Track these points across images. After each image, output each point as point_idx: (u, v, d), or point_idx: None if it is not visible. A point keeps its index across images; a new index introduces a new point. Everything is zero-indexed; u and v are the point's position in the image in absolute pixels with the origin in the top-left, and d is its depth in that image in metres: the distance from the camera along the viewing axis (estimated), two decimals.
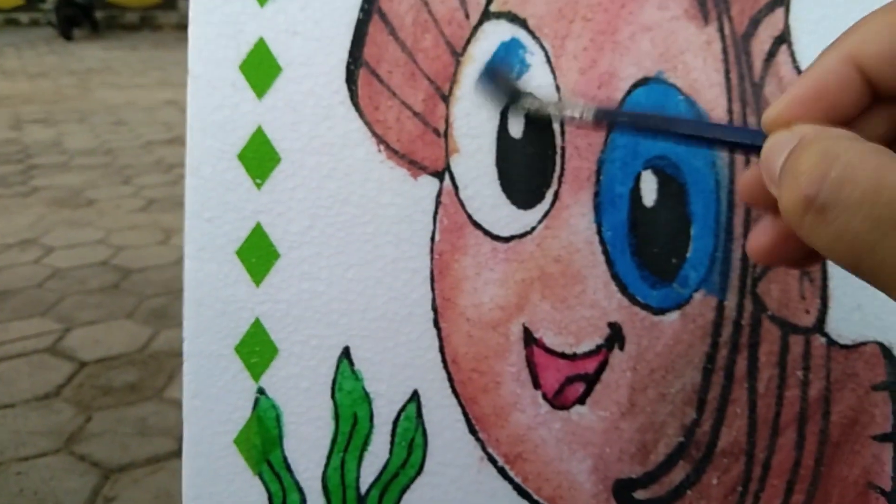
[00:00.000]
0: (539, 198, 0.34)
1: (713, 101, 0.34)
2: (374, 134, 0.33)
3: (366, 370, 0.34)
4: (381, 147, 0.33)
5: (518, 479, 0.35)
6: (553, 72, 0.33)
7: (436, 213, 0.34)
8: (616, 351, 0.34)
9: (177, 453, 1.35)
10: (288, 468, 0.34)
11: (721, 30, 0.34)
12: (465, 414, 0.34)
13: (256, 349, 0.34)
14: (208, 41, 0.33)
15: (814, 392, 0.35)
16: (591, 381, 0.34)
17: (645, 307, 0.34)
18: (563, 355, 0.34)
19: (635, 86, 0.34)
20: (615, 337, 0.34)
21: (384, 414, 0.34)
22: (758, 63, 0.34)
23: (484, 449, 0.35)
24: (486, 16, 0.34)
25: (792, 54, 0.35)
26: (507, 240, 0.34)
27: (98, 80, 5.61)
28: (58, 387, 1.57)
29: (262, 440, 0.34)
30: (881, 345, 0.35)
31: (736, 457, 0.35)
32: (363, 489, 0.35)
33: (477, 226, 0.34)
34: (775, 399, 0.35)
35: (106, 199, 2.85)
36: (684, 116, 0.34)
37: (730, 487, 0.35)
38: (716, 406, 0.35)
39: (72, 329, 1.82)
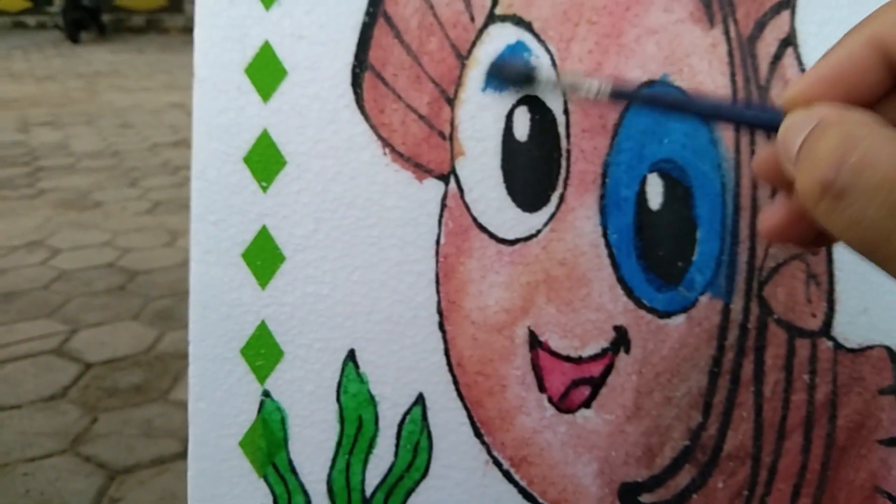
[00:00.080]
0: (544, 201, 0.34)
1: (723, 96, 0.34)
2: (380, 137, 0.33)
3: (371, 373, 0.34)
4: (387, 150, 0.33)
5: (523, 483, 0.35)
6: (559, 75, 0.33)
7: (441, 216, 0.34)
8: (622, 354, 0.34)
9: (182, 455, 1.35)
10: (293, 470, 0.34)
11: (727, 32, 0.34)
12: (471, 417, 0.34)
13: (262, 352, 0.34)
14: (214, 45, 0.33)
15: (820, 396, 0.35)
16: (597, 384, 0.34)
17: (651, 310, 0.34)
18: (568, 358, 0.34)
19: (641, 88, 0.34)
20: (621, 340, 0.34)
21: (389, 417, 0.34)
22: (763, 66, 0.34)
23: (489, 452, 0.35)
24: (492, 19, 0.34)
25: (798, 57, 0.34)
26: (512, 243, 0.34)
27: (105, 82, 5.63)
28: (64, 388, 1.58)
29: (268, 442, 0.34)
30: (888, 349, 0.35)
31: (742, 460, 0.35)
32: (368, 492, 0.35)
33: (482, 229, 0.34)
34: (781, 403, 0.35)
35: (112, 201, 2.86)
36: (700, 96, 0.33)
37: (735, 491, 0.35)
38: (722, 410, 0.35)
39: (78, 330, 1.83)
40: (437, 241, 0.34)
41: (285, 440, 0.34)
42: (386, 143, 0.33)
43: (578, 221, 0.34)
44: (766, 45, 0.34)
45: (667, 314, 0.34)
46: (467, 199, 0.34)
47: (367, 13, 0.33)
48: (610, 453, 0.35)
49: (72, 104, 4.74)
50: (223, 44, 0.33)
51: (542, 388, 0.34)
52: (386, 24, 0.33)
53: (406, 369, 0.34)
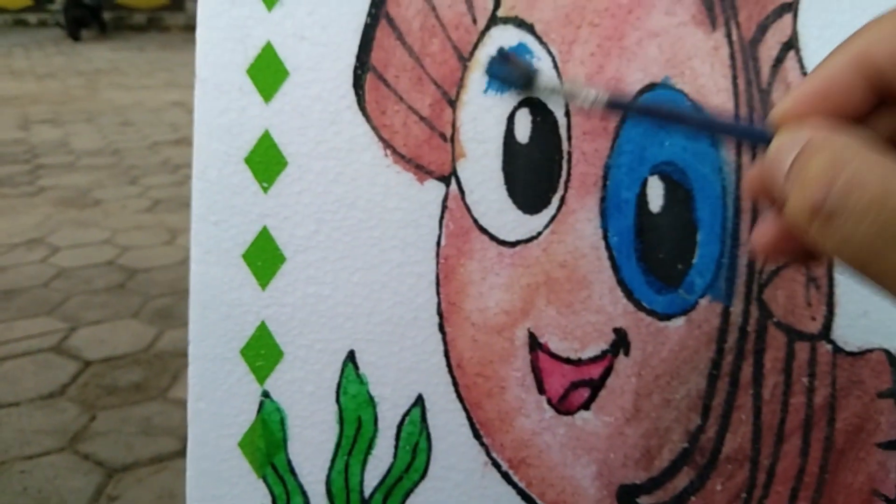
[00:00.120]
0: (545, 203, 0.34)
1: (720, 107, 0.34)
2: (381, 138, 0.33)
3: (371, 374, 0.34)
4: (388, 151, 0.33)
5: (522, 484, 0.35)
6: (560, 77, 0.34)
7: (442, 217, 0.34)
8: (621, 356, 0.34)
9: (181, 453, 1.35)
10: (292, 471, 0.34)
11: (729, 35, 0.34)
12: (470, 418, 0.34)
13: (262, 352, 0.34)
14: (216, 45, 0.33)
15: (819, 399, 0.35)
16: (596, 386, 0.34)
17: (650, 313, 0.34)
18: (568, 360, 0.34)
19: (642, 91, 0.34)
20: (620, 342, 0.34)
21: (389, 418, 0.34)
22: (765, 69, 0.34)
23: (488, 453, 0.35)
24: (494, 21, 0.34)
25: (800, 60, 0.34)
26: (512, 245, 0.34)
27: (105, 80, 5.63)
28: (63, 386, 1.58)
29: (267, 443, 0.34)
30: (887, 352, 0.35)
31: (740, 463, 0.35)
32: (367, 493, 0.35)
33: (483, 230, 0.34)
34: (780, 406, 0.35)
35: (112, 199, 2.86)
36: (694, 110, 0.33)
37: (734, 494, 0.35)
38: (721, 412, 0.35)
39: (77, 328, 1.83)
40: (438, 243, 0.34)
41: (284, 441, 0.34)
42: (387, 144, 0.33)
43: (579, 223, 0.34)
44: (768, 49, 0.34)
45: (666, 317, 0.34)
46: (468, 200, 0.34)
47: (370, 14, 0.33)
48: (609, 455, 0.35)
49: (72, 102, 4.74)
50: (225, 44, 0.33)
51: (541, 389, 0.34)
52: (388, 26, 0.33)
53: (406, 370, 0.34)
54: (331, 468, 0.34)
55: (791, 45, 0.34)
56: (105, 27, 8.89)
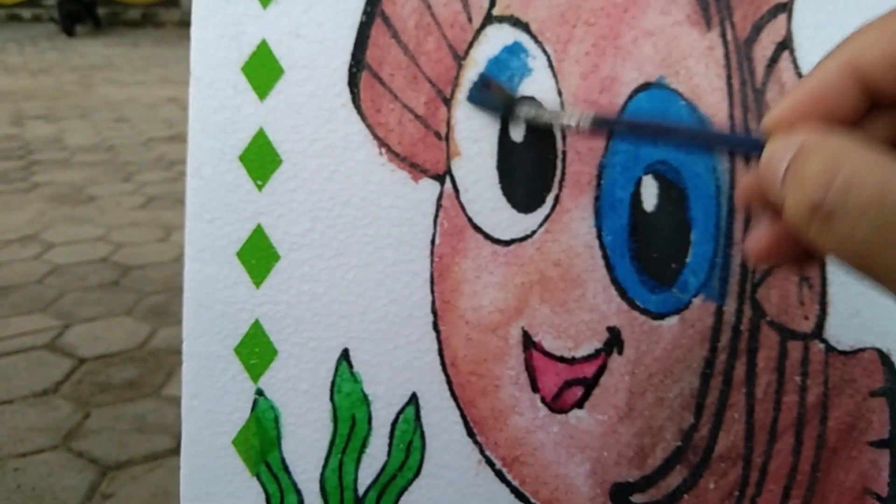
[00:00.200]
0: (540, 202, 0.34)
1: (715, 107, 0.34)
2: (376, 137, 0.33)
3: (365, 372, 0.34)
4: (383, 150, 0.33)
5: (516, 483, 0.35)
6: (555, 76, 0.34)
7: (436, 216, 0.34)
8: (615, 355, 0.34)
9: (175, 451, 1.35)
10: (286, 469, 0.34)
11: (723, 35, 0.34)
12: (464, 417, 0.34)
13: (256, 350, 0.34)
14: (210, 43, 0.33)
15: (812, 398, 0.35)
16: (590, 385, 0.34)
17: (644, 312, 0.34)
18: (561, 359, 0.34)
19: (637, 91, 0.34)
20: (614, 341, 0.34)
21: (383, 416, 0.34)
22: (760, 69, 0.34)
23: (482, 452, 0.35)
24: (489, 19, 0.34)
25: (794, 60, 0.35)
26: (507, 243, 0.34)
27: (100, 76, 5.61)
28: (56, 383, 1.57)
29: (261, 441, 0.34)
30: (879, 351, 0.35)
31: (733, 461, 0.35)
32: (361, 491, 0.35)
33: (477, 229, 0.34)
34: (773, 404, 0.35)
35: (106, 195, 2.85)
36: (682, 123, 0.34)
37: (727, 492, 0.35)
38: (714, 411, 0.35)
39: (71, 325, 1.82)
40: (433, 241, 0.34)
41: (278, 439, 0.34)
42: (382, 142, 0.33)
43: (573, 222, 0.34)
44: (763, 49, 0.34)
45: (660, 315, 0.34)
46: (463, 199, 0.34)
47: (365, 12, 0.33)
48: (602, 453, 0.35)
49: (66, 98, 4.72)
50: (220, 42, 0.33)
51: (535, 388, 0.34)
52: (383, 24, 0.33)
53: (400, 369, 0.34)
54: (325, 466, 0.34)
55: (785, 45, 0.35)
56: (99, 23, 8.85)
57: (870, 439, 0.35)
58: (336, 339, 0.34)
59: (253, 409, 0.34)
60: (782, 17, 0.35)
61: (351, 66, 0.33)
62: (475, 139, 0.34)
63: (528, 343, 0.34)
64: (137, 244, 2.35)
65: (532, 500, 0.35)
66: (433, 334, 0.34)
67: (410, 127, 0.34)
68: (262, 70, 0.33)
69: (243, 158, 0.33)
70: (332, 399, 0.34)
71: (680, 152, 0.34)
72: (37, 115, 4.20)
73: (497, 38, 0.33)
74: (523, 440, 0.35)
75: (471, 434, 0.35)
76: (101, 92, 4.94)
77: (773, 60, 0.35)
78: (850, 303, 0.35)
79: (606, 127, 0.30)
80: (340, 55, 0.33)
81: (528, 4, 0.34)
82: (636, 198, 0.34)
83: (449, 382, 0.34)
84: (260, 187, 0.33)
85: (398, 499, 0.35)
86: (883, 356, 0.35)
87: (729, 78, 0.34)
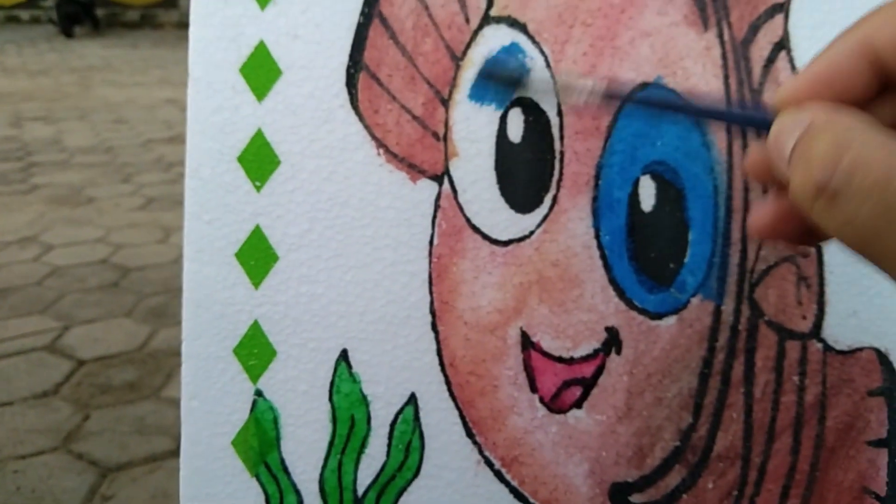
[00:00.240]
0: (538, 202, 0.34)
1: (715, 99, 0.34)
2: (374, 137, 0.33)
3: (364, 373, 0.34)
4: (381, 150, 0.34)
5: (515, 483, 0.35)
6: (553, 75, 0.34)
7: (434, 216, 0.34)
8: (613, 355, 0.34)
9: (175, 452, 1.35)
10: (285, 470, 0.34)
11: (720, 35, 0.34)
12: (463, 417, 0.35)
13: (255, 351, 0.34)
14: (209, 44, 0.33)
15: (810, 397, 0.35)
16: (588, 385, 0.35)
17: (642, 312, 0.34)
18: (560, 359, 0.34)
19: (635, 91, 0.34)
20: (612, 341, 0.34)
21: (382, 416, 0.34)
22: (757, 69, 0.35)
23: (481, 452, 0.35)
24: (487, 20, 0.34)
25: (791, 60, 0.35)
26: (505, 244, 0.34)
27: (98, 77, 5.61)
28: (56, 385, 1.57)
29: (260, 442, 0.34)
30: (877, 350, 0.35)
31: (732, 461, 0.35)
32: (360, 491, 0.35)
33: (475, 229, 0.34)
34: (771, 404, 0.35)
35: (105, 197, 2.85)
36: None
37: (725, 492, 0.35)
38: (712, 410, 0.35)
39: (70, 327, 1.82)
40: (431, 242, 0.34)
41: (278, 439, 0.34)
42: (380, 143, 0.34)
43: (571, 223, 0.34)
44: (760, 49, 0.35)
45: (658, 315, 0.34)
46: (461, 199, 0.34)
47: (363, 13, 0.33)
48: (601, 453, 0.35)
49: (65, 99, 4.72)
50: (218, 43, 0.33)
51: (533, 388, 0.34)
52: (381, 25, 0.33)
53: (398, 369, 0.34)
54: (324, 467, 0.34)
55: (782, 45, 0.35)
56: (98, 24, 8.85)
57: (868, 439, 0.36)
58: (335, 340, 0.34)
59: (252, 409, 0.34)
60: (779, 18, 0.35)
61: (349, 67, 0.33)
62: (473, 140, 0.34)
63: (527, 343, 0.34)
64: (137, 245, 2.35)
65: (531, 499, 0.35)
66: (432, 335, 0.34)
67: (408, 127, 0.34)
68: (261, 71, 0.33)
69: (242, 159, 0.33)
70: (331, 399, 0.34)
71: (678, 153, 0.34)
72: (35, 117, 4.19)
73: (494, 39, 0.34)
74: (522, 440, 0.35)
75: (470, 434, 0.35)
76: (100, 93, 4.94)
77: (770, 60, 0.35)
78: (848, 302, 0.35)
79: (617, 99, 0.29)
80: (338, 56, 0.33)
81: (525, 5, 0.34)
82: (634, 198, 0.34)
83: (448, 383, 0.34)
84: (258, 188, 0.33)
85: (397, 499, 0.35)
86: (881, 356, 0.35)
87: (726, 78, 0.34)
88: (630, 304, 0.34)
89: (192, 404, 0.34)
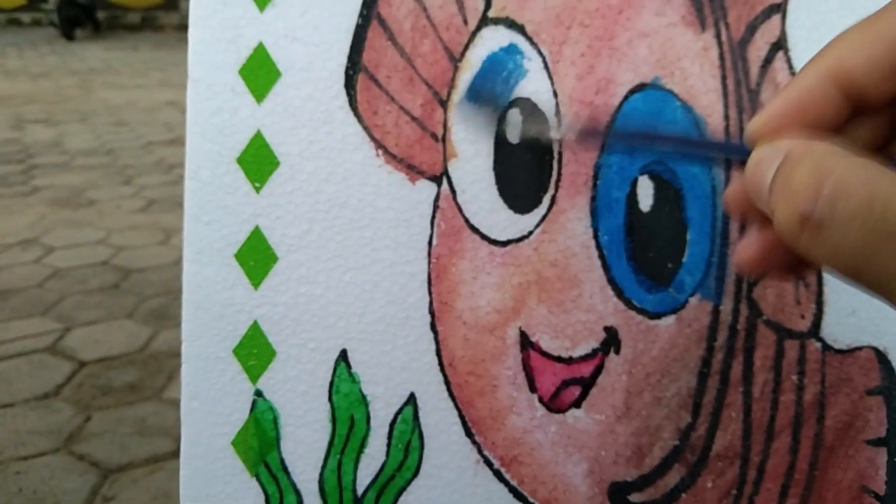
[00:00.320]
0: (536, 202, 0.34)
1: (710, 107, 0.34)
2: (373, 138, 0.34)
3: (363, 373, 0.34)
4: (380, 151, 0.34)
5: (514, 482, 0.35)
6: (550, 77, 0.34)
7: (433, 217, 0.34)
8: (612, 355, 0.35)
9: (176, 453, 1.35)
10: (285, 470, 0.34)
11: (718, 36, 0.34)
12: (462, 417, 0.35)
13: (254, 352, 0.34)
14: (208, 46, 0.33)
15: (809, 396, 0.35)
16: (587, 384, 0.35)
17: (641, 311, 0.34)
18: (559, 359, 0.34)
19: (632, 92, 0.34)
20: (611, 341, 0.34)
21: (381, 416, 0.34)
22: (754, 69, 0.35)
23: (480, 452, 0.35)
24: (485, 21, 0.34)
25: (788, 60, 0.35)
26: (504, 244, 0.34)
27: (99, 80, 5.61)
28: (57, 386, 1.57)
29: (260, 442, 0.34)
30: (876, 350, 0.35)
31: (731, 460, 0.35)
32: (360, 491, 0.35)
33: (474, 230, 0.34)
34: (770, 403, 0.35)
35: (106, 199, 2.85)
36: (668, 131, 0.34)
37: (724, 491, 0.35)
38: (711, 410, 0.35)
39: (72, 329, 1.82)
40: (430, 242, 0.34)
41: (277, 439, 0.34)
42: (379, 144, 0.34)
43: (570, 223, 0.34)
44: (757, 49, 0.35)
45: (657, 315, 0.35)
46: (460, 200, 0.34)
47: (361, 15, 0.33)
48: (600, 453, 0.35)
49: (66, 101, 4.73)
50: (217, 45, 0.33)
51: (532, 388, 0.35)
52: (379, 27, 0.33)
53: (398, 369, 0.34)
54: (324, 467, 0.35)
55: (780, 45, 0.35)
56: (99, 26, 8.86)
57: (867, 438, 0.36)
58: (334, 340, 0.34)
59: (252, 409, 0.34)
60: (776, 18, 0.35)
61: (347, 69, 0.33)
62: (471, 140, 0.34)
63: (526, 343, 0.34)
64: (137, 247, 2.36)
65: (530, 499, 0.35)
66: (431, 335, 0.34)
67: (407, 129, 0.34)
68: (260, 73, 0.33)
69: (241, 161, 0.33)
70: (330, 399, 0.34)
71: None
72: (36, 119, 4.20)
73: (492, 40, 0.34)
74: (521, 440, 0.35)
75: (469, 434, 0.35)
76: (101, 96, 4.95)
77: (768, 61, 0.35)
78: (847, 301, 0.35)
79: (595, 137, 0.29)
80: (337, 58, 0.33)
81: (523, 6, 0.34)
82: (632, 198, 0.34)
83: (447, 383, 0.34)
84: (258, 189, 0.34)
85: (397, 499, 0.35)
86: (879, 355, 0.35)
87: (724, 78, 0.34)
88: (629, 303, 0.34)
89: (192, 405, 0.34)
